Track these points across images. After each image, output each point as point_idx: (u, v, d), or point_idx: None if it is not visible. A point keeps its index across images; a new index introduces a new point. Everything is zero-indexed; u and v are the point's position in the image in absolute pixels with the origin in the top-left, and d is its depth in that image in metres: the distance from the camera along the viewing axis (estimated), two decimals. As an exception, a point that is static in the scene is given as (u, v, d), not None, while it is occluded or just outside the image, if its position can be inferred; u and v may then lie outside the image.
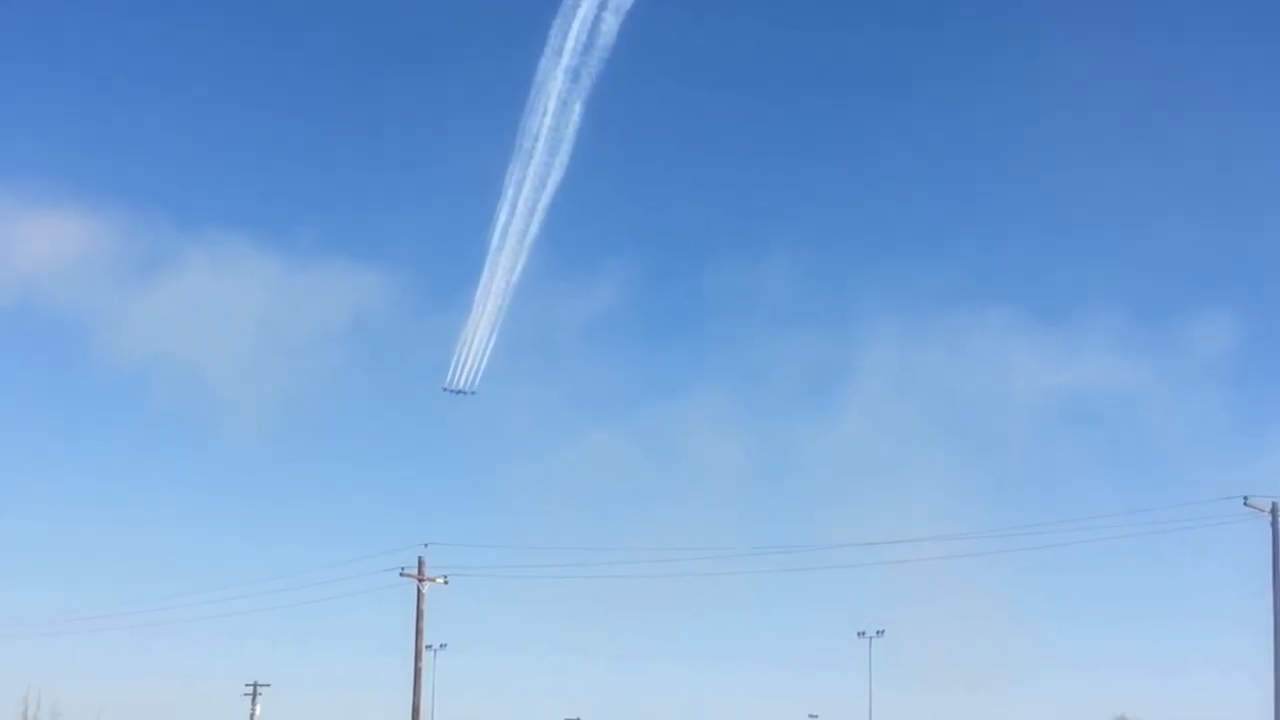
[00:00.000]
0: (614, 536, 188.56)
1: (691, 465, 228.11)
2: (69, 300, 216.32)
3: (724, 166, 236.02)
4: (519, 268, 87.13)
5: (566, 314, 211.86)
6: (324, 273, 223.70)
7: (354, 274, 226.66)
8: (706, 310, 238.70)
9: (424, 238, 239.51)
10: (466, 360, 78.68)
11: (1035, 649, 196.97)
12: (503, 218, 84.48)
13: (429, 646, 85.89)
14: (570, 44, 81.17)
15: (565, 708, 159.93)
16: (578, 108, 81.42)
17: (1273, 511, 64.83)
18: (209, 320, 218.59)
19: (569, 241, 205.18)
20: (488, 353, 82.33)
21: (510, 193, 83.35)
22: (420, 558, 70.16)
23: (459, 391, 73.74)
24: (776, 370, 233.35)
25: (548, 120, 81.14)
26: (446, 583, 71.07)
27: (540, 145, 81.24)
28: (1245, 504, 65.20)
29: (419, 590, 69.83)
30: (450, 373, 78.48)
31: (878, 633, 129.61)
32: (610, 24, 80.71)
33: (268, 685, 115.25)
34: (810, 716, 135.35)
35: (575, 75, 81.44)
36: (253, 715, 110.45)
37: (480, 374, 75.31)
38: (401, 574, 70.56)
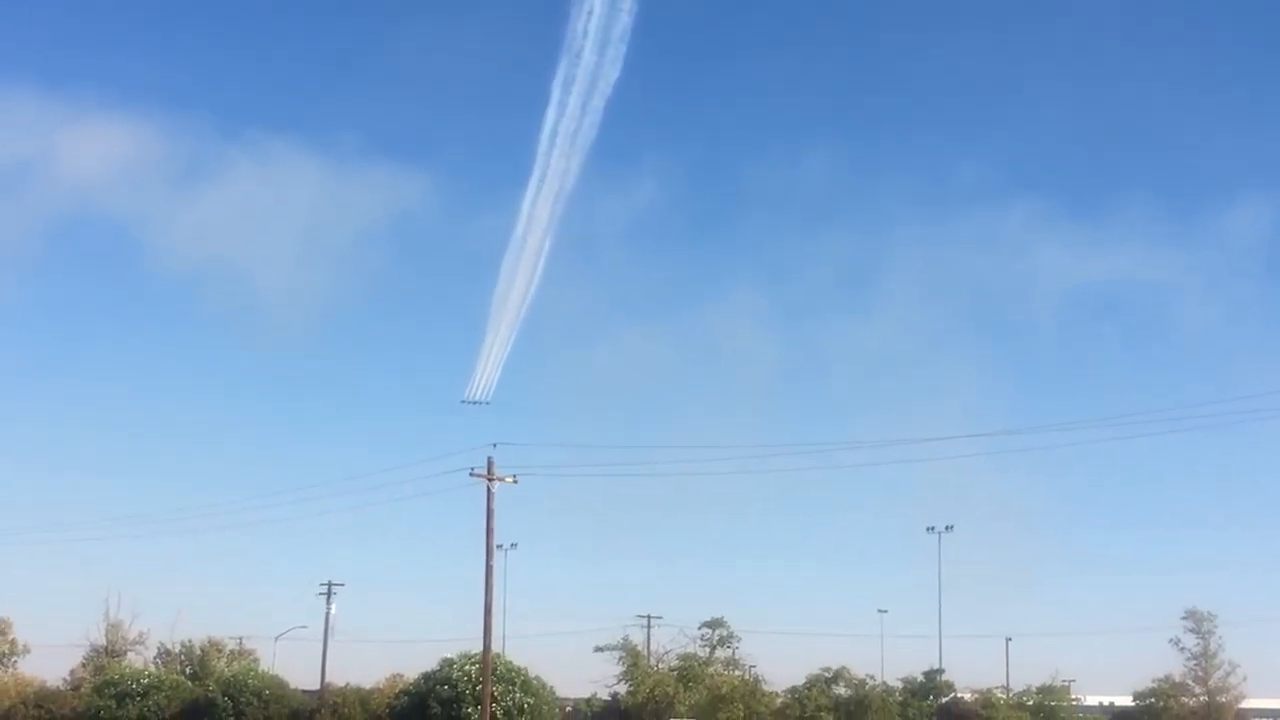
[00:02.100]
0: (664, 435, 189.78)
1: (728, 364, 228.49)
2: (119, 208, 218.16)
3: (767, 62, 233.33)
4: (571, 172, 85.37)
5: (608, 213, 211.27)
6: (368, 176, 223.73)
7: (398, 177, 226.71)
8: (745, 208, 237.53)
9: (467, 140, 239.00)
10: (485, 372, 77.79)
11: (1098, 546, 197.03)
12: (551, 119, 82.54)
13: (499, 546, 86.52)
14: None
15: (636, 604, 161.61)
16: (627, 4, 79.34)
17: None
18: (256, 225, 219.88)
19: (611, 141, 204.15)
20: (505, 356, 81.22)
21: (558, 94, 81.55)
22: (489, 458, 70.23)
23: (475, 402, 73.26)
24: (811, 268, 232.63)
25: (595, 21, 79.23)
26: (516, 482, 71.09)
27: (589, 44, 79.28)
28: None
29: (489, 490, 69.97)
30: (470, 385, 77.87)
31: (947, 528, 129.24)
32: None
33: (342, 585, 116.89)
34: (880, 611, 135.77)
35: None
36: (328, 614, 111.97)
37: (495, 384, 74.47)
38: (471, 474, 70.61)
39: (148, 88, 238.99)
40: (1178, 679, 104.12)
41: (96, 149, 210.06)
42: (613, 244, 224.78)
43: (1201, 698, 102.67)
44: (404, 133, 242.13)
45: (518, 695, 72.91)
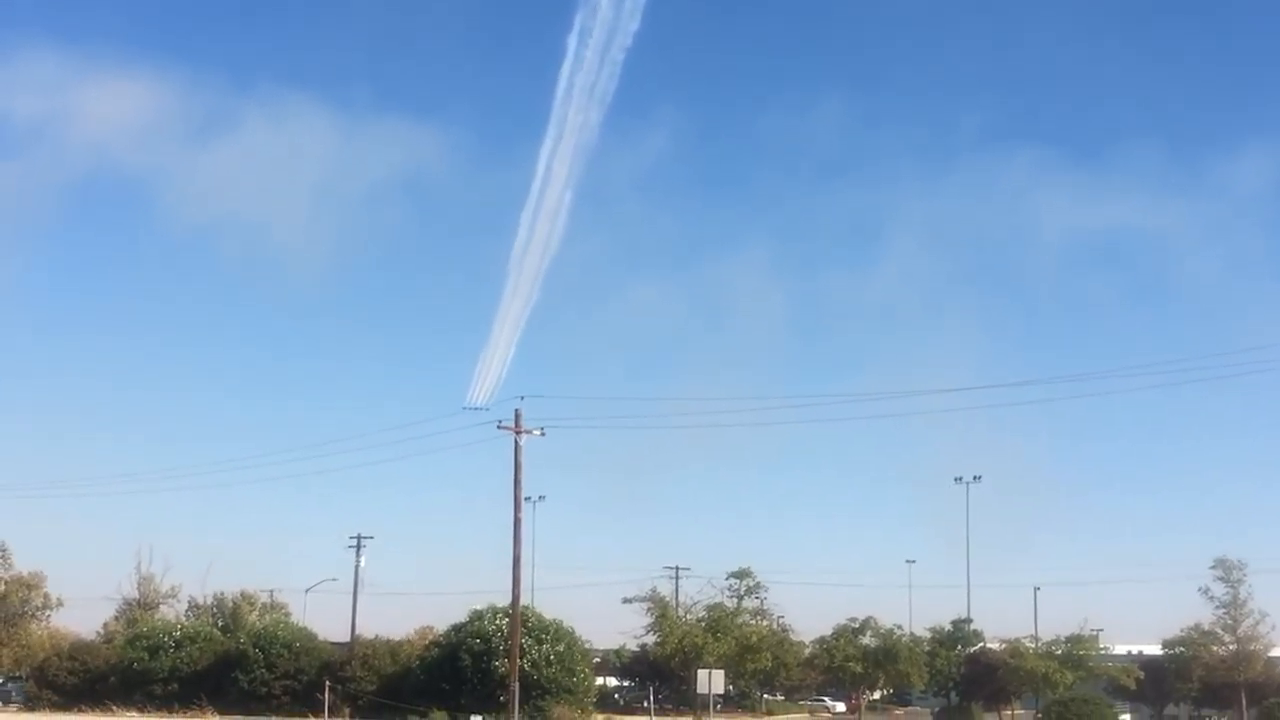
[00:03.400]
0: (683, 388, 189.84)
1: (743, 316, 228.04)
2: (135, 163, 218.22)
3: (778, 14, 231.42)
4: (589, 126, 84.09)
5: (620, 165, 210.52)
6: (381, 130, 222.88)
7: (411, 131, 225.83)
8: (755, 162, 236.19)
9: (478, 94, 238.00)
10: (487, 376, 77.34)
11: (1127, 495, 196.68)
12: (567, 73, 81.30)
13: (527, 498, 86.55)
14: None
15: (663, 555, 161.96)
16: None
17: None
18: (270, 179, 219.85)
19: (622, 93, 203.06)
20: (506, 367, 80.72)
21: (574, 46, 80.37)
22: (517, 410, 70.08)
23: (476, 408, 73.02)
24: (823, 221, 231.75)
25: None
26: (543, 434, 70.92)
27: None
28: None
29: (516, 443, 69.88)
30: (471, 390, 77.57)
31: (975, 478, 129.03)
32: None
33: (371, 538, 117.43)
34: (908, 561, 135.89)
35: None
36: (357, 567, 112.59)
37: (498, 390, 74.11)
38: (499, 427, 70.51)
39: (162, 44, 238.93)
40: (1207, 627, 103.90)
41: (112, 105, 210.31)
42: (625, 196, 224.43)
43: (1231, 646, 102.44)
44: (416, 87, 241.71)
45: (547, 647, 73.10)
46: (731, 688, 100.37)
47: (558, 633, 74.82)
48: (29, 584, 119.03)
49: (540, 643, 72.89)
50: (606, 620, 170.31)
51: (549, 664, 72.72)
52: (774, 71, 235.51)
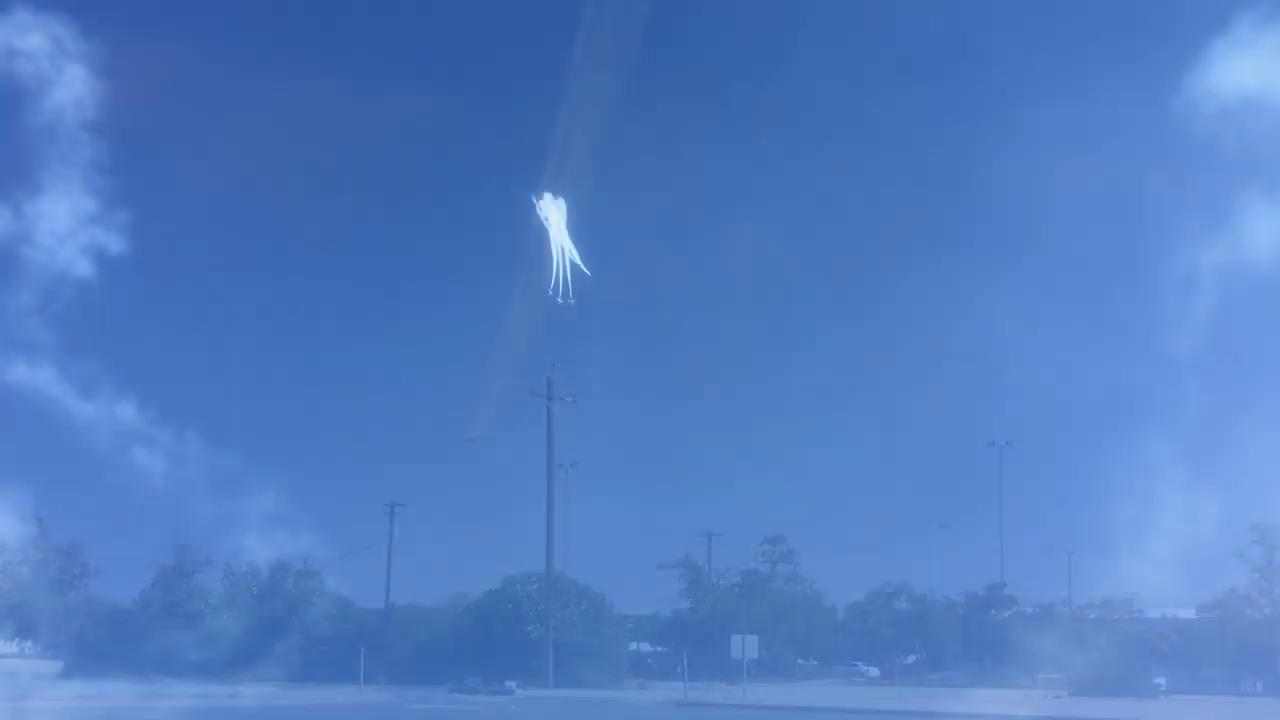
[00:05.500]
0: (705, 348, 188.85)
1: (754, 277, 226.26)
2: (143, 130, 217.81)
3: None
4: (609, 94, 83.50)
5: (623, 131, 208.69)
6: (389, 99, 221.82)
7: (418, 100, 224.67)
8: (760, 127, 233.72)
9: (489, 62, 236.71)
10: (484, 412, 77.14)
11: (1161, 458, 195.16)
12: (582, 40, 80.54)
13: (560, 465, 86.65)
14: None
15: (696, 521, 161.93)
16: None
17: None
18: (276, 148, 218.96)
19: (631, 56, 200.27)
20: (503, 403, 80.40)
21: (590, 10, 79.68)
22: (549, 378, 70.15)
23: (476, 439, 72.73)
24: (821, 188, 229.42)
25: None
26: (575, 401, 70.96)
27: None
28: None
29: (549, 410, 69.95)
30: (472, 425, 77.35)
31: (1007, 442, 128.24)
32: None
33: (404, 505, 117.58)
34: (940, 525, 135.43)
35: None
36: (391, 534, 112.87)
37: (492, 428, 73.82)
38: (531, 394, 70.63)
39: (168, 9, 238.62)
40: (1243, 592, 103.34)
41: (120, 72, 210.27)
42: (629, 164, 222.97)
43: (1267, 611, 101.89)
44: (424, 55, 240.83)
45: (585, 605, 73.33)
46: (765, 653, 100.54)
47: (591, 599, 74.96)
48: (66, 552, 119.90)
49: (575, 608, 73.09)
50: (640, 586, 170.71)
51: (582, 630, 72.88)
52: (773, 39, 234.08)
